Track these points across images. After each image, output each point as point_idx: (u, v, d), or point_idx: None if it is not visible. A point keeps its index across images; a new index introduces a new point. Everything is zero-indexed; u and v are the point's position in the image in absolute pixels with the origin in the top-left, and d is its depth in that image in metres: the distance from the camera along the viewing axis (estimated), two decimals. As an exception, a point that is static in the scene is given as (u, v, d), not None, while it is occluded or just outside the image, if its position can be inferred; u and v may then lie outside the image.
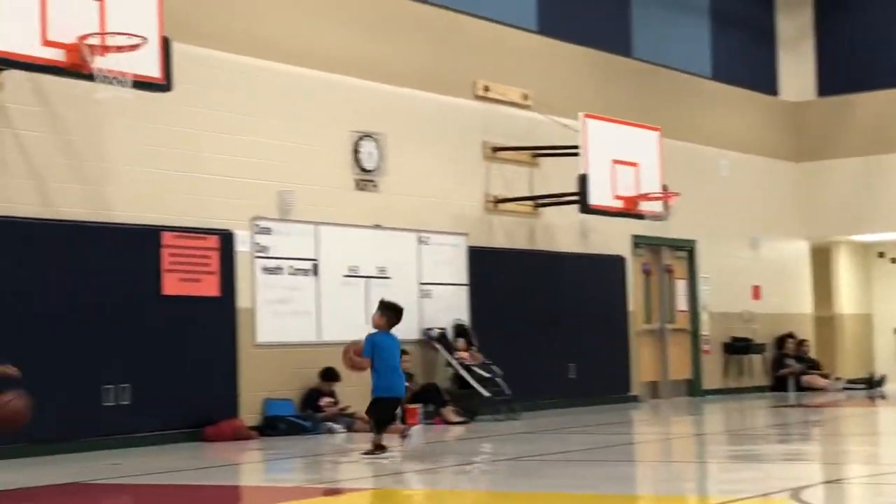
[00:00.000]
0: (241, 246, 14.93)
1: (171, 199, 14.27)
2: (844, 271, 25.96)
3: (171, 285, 14.11)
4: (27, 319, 12.79)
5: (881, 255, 26.61)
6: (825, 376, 23.54)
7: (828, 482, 9.46)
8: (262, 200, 15.22)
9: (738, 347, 22.89)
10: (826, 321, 25.25)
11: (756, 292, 23.64)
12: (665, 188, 18.62)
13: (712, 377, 22.39)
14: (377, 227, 16.64)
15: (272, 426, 14.81)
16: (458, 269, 17.72)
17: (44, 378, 12.71)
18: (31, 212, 12.98)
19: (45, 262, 12.99)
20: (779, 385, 23.30)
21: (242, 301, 14.90)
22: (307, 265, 15.72)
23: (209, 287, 14.51)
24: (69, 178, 13.37)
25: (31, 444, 12.55)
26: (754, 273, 23.61)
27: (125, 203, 13.81)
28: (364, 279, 16.41)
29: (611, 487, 9.24)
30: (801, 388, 23.02)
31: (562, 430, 15.40)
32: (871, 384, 23.13)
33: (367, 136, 16.63)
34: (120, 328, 13.50)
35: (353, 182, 16.42)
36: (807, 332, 24.65)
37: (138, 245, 13.82)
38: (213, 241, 14.60)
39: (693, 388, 22.05)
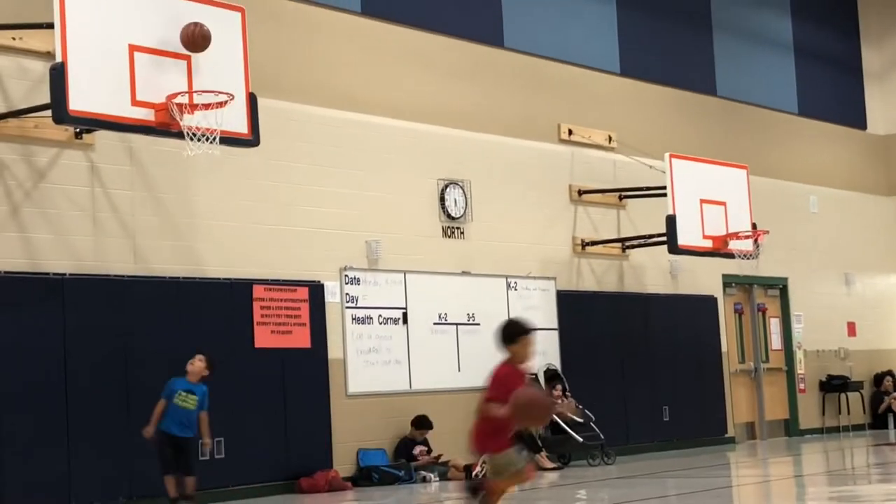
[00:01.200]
0: (331, 297, 15.01)
1: (261, 252, 14.39)
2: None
3: (263, 338, 14.21)
4: (124, 376, 12.92)
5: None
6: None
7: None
8: (350, 251, 15.31)
9: (834, 385, 22.50)
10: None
11: (851, 329, 23.24)
12: (754, 226, 18.43)
13: (809, 416, 22.02)
14: (465, 273, 16.65)
15: (366, 476, 14.80)
16: (548, 314, 17.67)
17: (138, 434, 12.83)
18: (124, 269, 13.17)
19: (139, 319, 13.14)
20: (878, 423, 22.84)
21: (333, 352, 14.96)
22: (396, 314, 15.76)
23: (300, 338, 14.57)
24: (161, 234, 13.55)
25: (137, 500, 12.67)
26: (849, 309, 23.22)
27: (216, 258, 13.96)
28: (454, 326, 16.40)
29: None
30: (901, 425, 22.56)
31: (658, 474, 15.23)
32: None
33: (453, 183, 16.67)
34: (213, 382, 13.58)
35: (441, 229, 16.46)
36: (905, 368, 24.17)
37: (230, 299, 13.96)
38: (304, 292, 14.68)
39: (790, 428, 21.71)
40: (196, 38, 11.41)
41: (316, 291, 14.83)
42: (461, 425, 15.52)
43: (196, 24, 11.48)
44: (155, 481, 12.72)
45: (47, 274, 12.56)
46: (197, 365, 11.53)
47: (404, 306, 15.85)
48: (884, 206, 24.43)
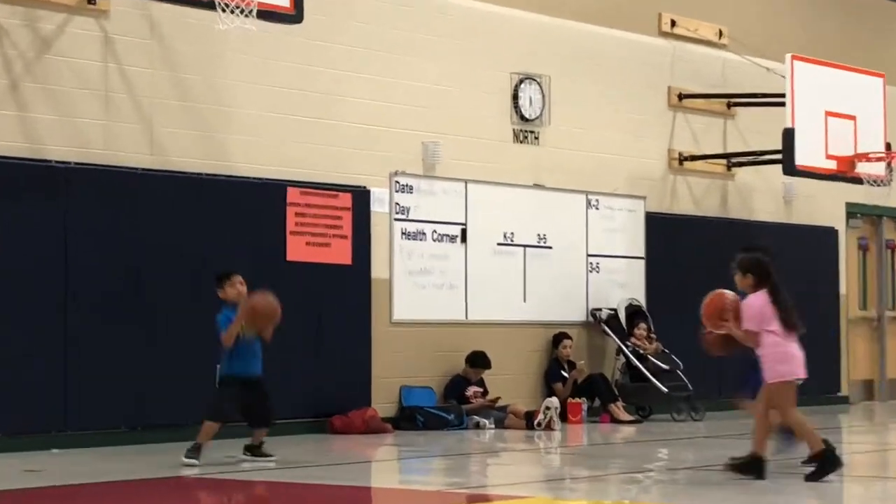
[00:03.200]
0: (379, 206, 15.08)
1: (298, 149, 14.45)
2: None
3: (297, 250, 14.32)
4: (133, 284, 13.14)
5: None
6: None
7: None
8: (403, 153, 15.34)
9: (974, 341, 22.37)
10: None
11: None
12: (888, 146, 18.25)
13: (941, 377, 21.95)
14: (538, 186, 16.67)
15: (409, 418, 14.96)
16: (635, 239, 17.69)
17: (151, 357, 13.07)
18: (138, 160, 13.29)
19: (153, 220, 13.29)
20: None
21: (378, 271, 15.08)
22: (454, 230, 15.83)
23: (340, 253, 14.69)
24: (183, 122, 13.63)
25: (144, 430, 12.98)
26: None
27: (245, 153, 14.04)
28: (521, 248, 16.46)
29: (814, 504, 9.06)
30: None
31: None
32: None
33: (529, 78, 16.65)
34: (236, 298, 13.73)
35: (512, 133, 16.46)
36: None
37: (259, 202, 14.05)
38: (346, 199, 14.76)
39: (916, 390, 21.67)
40: None
41: (361, 199, 14.90)
42: (523, 365, 15.67)
43: None
44: (164, 408, 12.97)
45: (49, 161, 12.72)
46: (239, 288, 11.29)
47: (464, 222, 15.92)
48: None
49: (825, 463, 10.01)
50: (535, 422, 14.99)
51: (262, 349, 11.29)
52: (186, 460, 10.85)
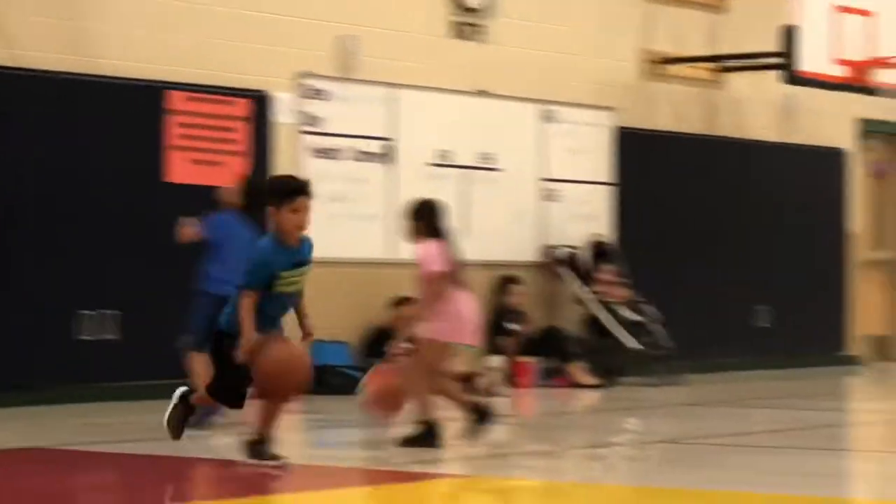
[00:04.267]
0: (282, 116, 15.01)
1: (182, 42, 14.30)
2: None
3: (179, 169, 14.23)
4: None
5: None
6: None
7: None
8: (314, 50, 15.24)
9: None
10: None
11: None
12: (912, 50, 18.34)
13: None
14: (482, 93, 16.57)
15: (320, 380, 14.87)
16: (600, 161, 17.66)
17: None
18: (-21, 55, 13.08)
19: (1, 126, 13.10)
20: None
21: (282, 196, 14.95)
22: (377, 147, 15.77)
23: (234, 174, 14.58)
24: (37, 8, 13.40)
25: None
26: None
27: (115, 47, 13.85)
28: (459, 170, 16.39)
29: (811, 487, 9.13)
30: None
31: (744, 402, 15.31)
32: None
33: (473, -41, 16.56)
34: (98, 227, 13.57)
35: (450, 26, 16.35)
36: None
37: (133, 108, 13.91)
38: (242, 106, 14.67)
39: (940, 349, 21.83)
40: None
41: (260, 106, 14.81)
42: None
43: None
44: None
45: None
46: (303, 218, 9.74)
47: (389, 137, 15.86)
48: None
49: (426, 437, 10.47)
50: (476, 385, 14.90)
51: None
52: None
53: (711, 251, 18.65)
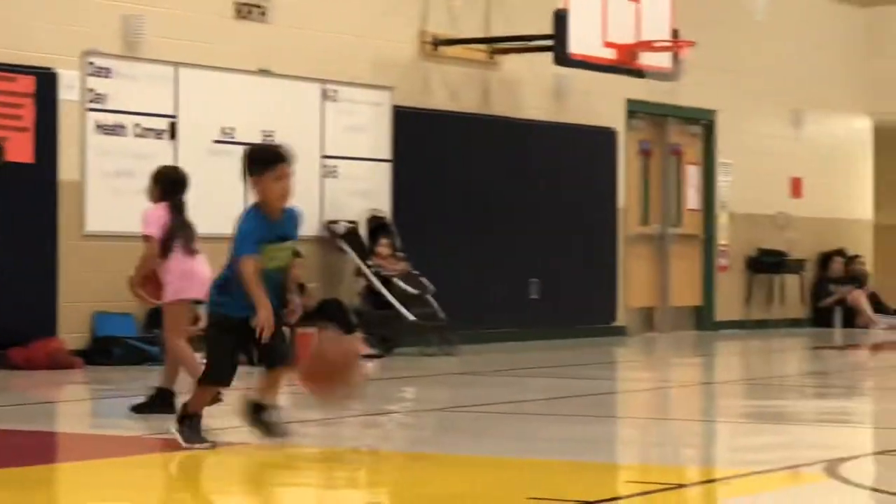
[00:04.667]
0: (68, 93, 14.80)
1: (-35, 19, 14.03)
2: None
3: (-36, 145, 13.94)
4: None
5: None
6: (885, 310, 23.73)
7: (878, 453, 9.53)
8: (99, 28, 15.04)
9: (767, 264, 23.00)
10: (890, 232, 25.41)
11: (796, 187, 23.72)
12: (675, 34, 18.55)
13: (730, 304, 22.53)
14: (264, 73, 16.52)
15: (104, 351, 14.77)
16: (379, 139, 17.66)
17: None
18: None
19: None
20: (821, 319, 23.49)
21: (67, 172, 14.82)
22: (162, 124, 15.62)
23: (19, 150, 14.41)
24: None
25: None
26: (795, 160, 23.66)
27: None
28: (243, 146, 16.22)
29: (580, 453, 9.22)
30: (850, 323, 23.20)
31: (517, 371, 15.43)
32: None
33: (255, -60, 16.49)
34: None
35: (233, 7, 16.26)
36: (864, 246, 24.80)
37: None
38: (27, 83, 14.46)
39: (703, 320, 22.18)
40: None
41: (45, 83, 14.60)
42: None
43: None
44: None
45: None
46: (285, 186, 9.04)
47: (174, 114, 15.73)
48: (855, 18, 24.77)
49: (159, 401, 10.58)
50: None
51: None
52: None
53: (487, 226, 18.75)
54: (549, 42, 17.55)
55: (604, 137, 20.43)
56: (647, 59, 18.32)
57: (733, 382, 15.50)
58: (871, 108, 24.97)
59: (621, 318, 20.62)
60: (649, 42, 18.17)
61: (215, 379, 9.20)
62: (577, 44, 17.44)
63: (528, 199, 19.19)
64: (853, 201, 25.00)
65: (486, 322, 18.39)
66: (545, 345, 18.38)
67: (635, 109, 20.87)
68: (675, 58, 18.77)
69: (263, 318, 8.73)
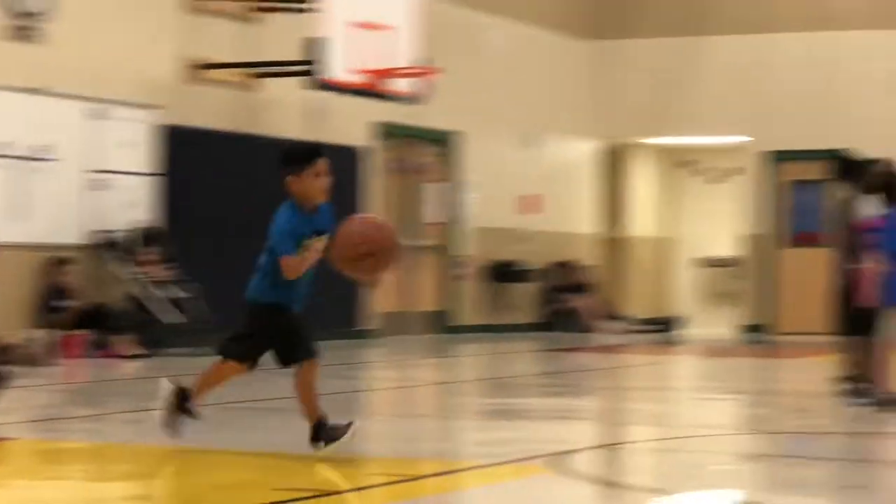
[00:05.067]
0: None
1: None
2: (642, 183, 26.63)
3: None
4: None
5: (684, 164, 27.38)
6: (610, 315, 24.15)
7: (599, 446, 9.73)
8: None
9: (504, 274, 23.25)
10: (615, 245, 25.89)
11: (530, 204, 24.01)
12: (423, 62, 18.66)
13: (470, 310, 22.70)
14: (38, 91, 16.19)
15: None
16: (147, 154, 17.43)
17: None
18: None
19: None
20: (553, 324, 23.79)
21: None
22: (-62, 138, 15.27)
23: None
24: None
25: None
26: (530, 179, 23.94)
27: None
28: (16, 160, 15.98)
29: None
30: (579, 328, 23.54)
31: (272, 371, 15.31)
32: (665, 326, 23.87)
33: (31, -35, 16.18)
34: None
35: (6, 29, 15.93)
36: (592, 257, 25.19)
37: None
38: None
39: (444, 324, 22.31)
40: None
41: None
42: (14, 293, 15.29)
43: None
44: None
45: None
46: (323, 182, 8.92)
47: (-51, 128, 15.37)
48: (583, 51, 25.16)
49: None
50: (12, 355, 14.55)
51: None
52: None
53: (251, 236, 18.57)
54: (305, 67, 17.51)
55: (355, 156, 20.45)
56: (395, 85, 18.37)
57: (471, 381, 15.63)
58: (596, 132, 25.38)
59: (369, 323, 20.64)
60: (397, 69, 18.23)
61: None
62: (331, 69, 17.46)
63: (286, 212, 19.13)
64: (582, 216, 25.39)
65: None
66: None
67: (384, 130, 20.93)
68: (421, 83, 18.87)
69: (316, 249, 8.61)
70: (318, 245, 8.57)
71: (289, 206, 8.75)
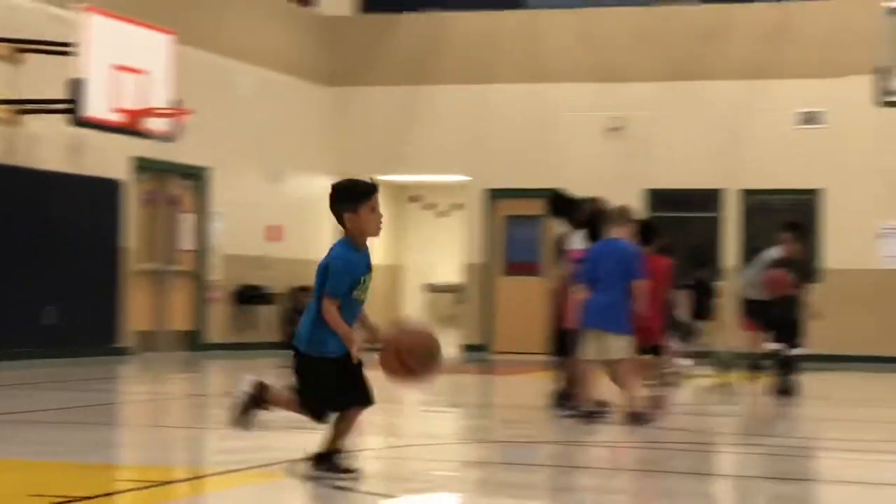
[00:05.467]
0: None
1: None
2: (376, 215, 26.86)
3: None
4: None
5: (414, 199, 27.80)
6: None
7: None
8: None
9: (250, 297, 23.27)
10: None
11: (275, 234, 24.06)
12: (175, 103, 18.63)
13: (219, 329, 22.65)
14: None
15: None
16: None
17: None
18: None
19: None
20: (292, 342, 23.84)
21: None
22: None
23: None
24: None
25: None
26: (274, 211, 24.01)
27: None
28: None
29: (84, 454, 9.24)
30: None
31: (32, 384, 15.14)
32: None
33: None
34: None
35: None
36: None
37: None
38: None
39: (195, 342, 22.21)
40: None
41: None
42: None
43: None
44: None
45: None
46: (377, 217, 8.14)
47: None
48: (324, 96, 25.36)
49: None
50: None
51: None
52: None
53: (7, 262, 18.30)
54: (66, 105, 17.36)
55: (113, 187, 20.25)
56: (151, 123, 18.33)
57: (217, 395, 15.61)
58: (336, 169, 25.48)
59: (125, 340, 20.44)
60: (152, 108, 18.21)
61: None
62: (92, 108, 17.37)
63: (48, 239, 18.85)
64: (320, 244, 25.47)
65: (6, 342, 17.97)
66: (59, 363, 18.11)
67: (141, 164, 20.76)
68: (174, 122, 18.86)
69: (353, 344, 7.84)
70: (356, 340, 7.88)
71: (344, 242, 8.07)
